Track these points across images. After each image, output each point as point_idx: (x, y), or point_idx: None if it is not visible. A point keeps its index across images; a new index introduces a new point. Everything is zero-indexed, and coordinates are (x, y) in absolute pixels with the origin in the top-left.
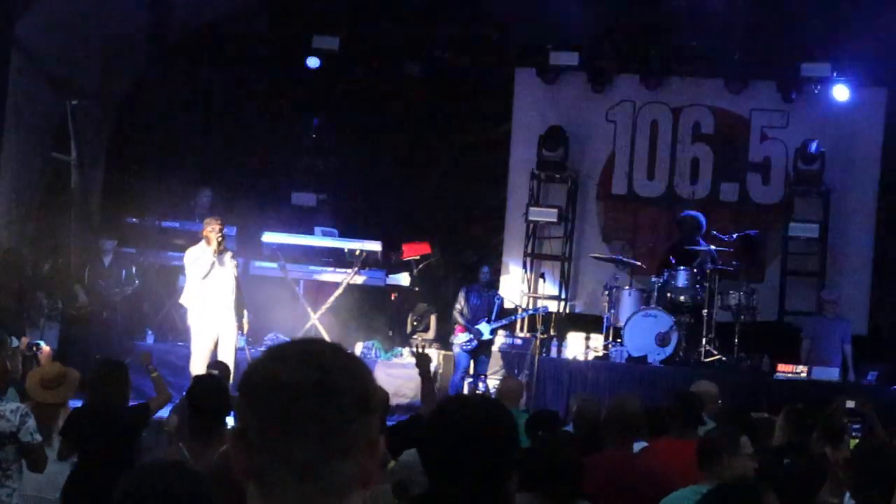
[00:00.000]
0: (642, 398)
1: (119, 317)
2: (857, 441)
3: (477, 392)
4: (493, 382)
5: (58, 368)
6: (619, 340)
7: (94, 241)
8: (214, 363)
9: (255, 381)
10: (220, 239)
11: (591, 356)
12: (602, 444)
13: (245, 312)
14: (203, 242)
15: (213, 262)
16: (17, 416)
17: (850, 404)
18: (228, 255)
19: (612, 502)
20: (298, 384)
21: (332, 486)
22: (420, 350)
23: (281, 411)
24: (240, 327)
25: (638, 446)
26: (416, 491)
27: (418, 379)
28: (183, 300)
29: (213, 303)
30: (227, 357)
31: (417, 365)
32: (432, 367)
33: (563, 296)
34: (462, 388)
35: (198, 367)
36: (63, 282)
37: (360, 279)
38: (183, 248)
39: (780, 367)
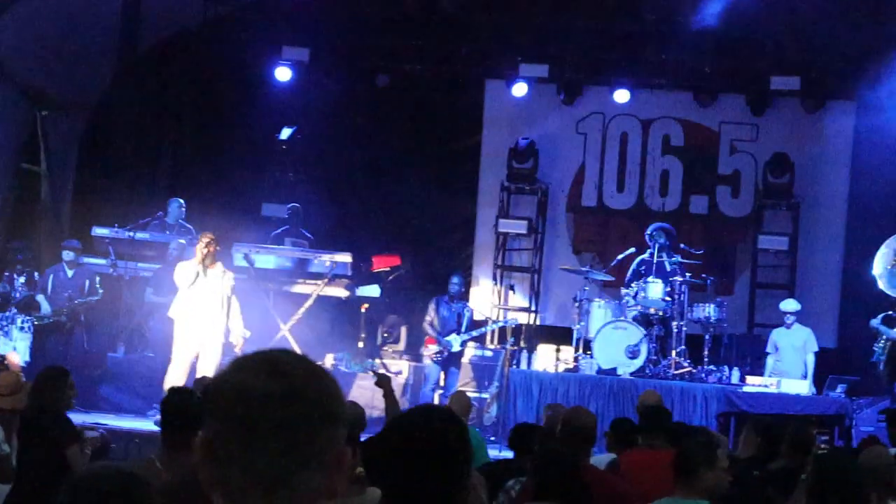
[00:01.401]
0: (612, 411)
1: (84, 329)
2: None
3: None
4: (456, 389)
5: (14, 377)
6: (588, 353)
7: (64, 249)
8: (199, 380)
9: (219, 391)
10: (205, 252)
11: (561, 368)
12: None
13: (240, 330)
14: (191, 257)
15: (197, 274)
16: None
17: None
18: (220, 270)
19: None
20: (263, 394)
21: (297, 497)
22: (379, 371)
23: (245, 421)
24: (228, 343)
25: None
26: None
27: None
28: (171, 312)
29: (197, 316)
30: (208, 372)
31: (379, 385)
32: (401, 379)
33: (533, 308)
34: (432, 399)
35: (174, 378)
36: (31, 289)
37: (330, 291)
38: (153, 260)
39: (749, 379)
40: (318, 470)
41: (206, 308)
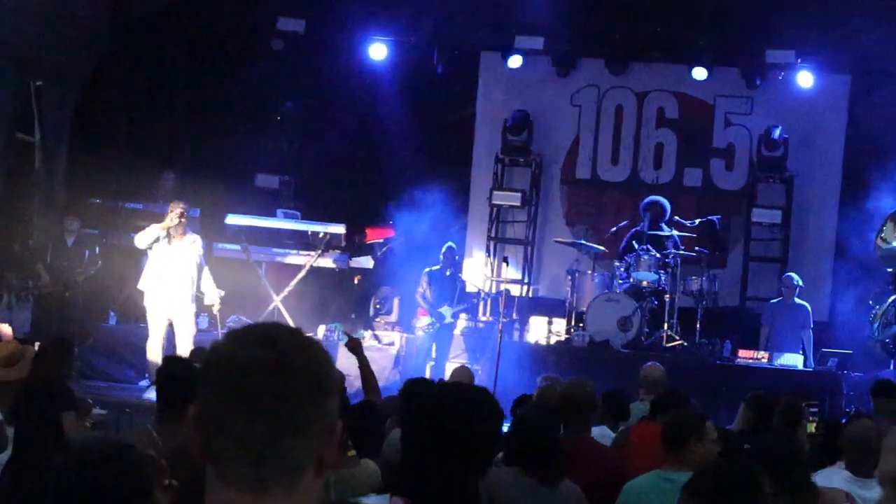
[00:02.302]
0: (604, 382)
1: (81, 298)
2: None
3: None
4: (453, 365)
5: (13, 346)
6: (581, 325)
7: (58, 222)
8: (196, 350)
9: (212, 361)
10: (175, 221)
11: (553, 340)
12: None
13: (213, 292)
14: (158, 225)
15: (157, 238)
16: None
17: None
18: (189, 239)
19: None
20: (252, 363)
21: (286, 466)
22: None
23: (235, 390)
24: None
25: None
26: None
27: (381, 362)
28: (140, 284)
29: (165, 286)
30: (185, 340)
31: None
32: (393, 350)
33: (525, 280)
34: (424, 371)
35: (153, 348)
36: (28, 262)
37: (322, 262)
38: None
39: (742, 352)
40: (308, 440)
41: (175, 278)
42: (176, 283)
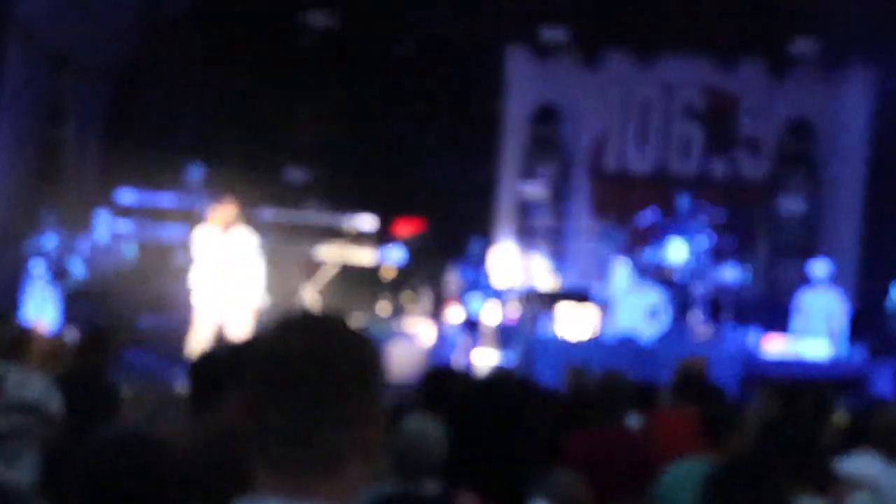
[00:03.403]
0: (633, 373)
1: (115, 292)
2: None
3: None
4: (482, 357)
5: (49, 343)
6: (610, 316)
7: (91, 215)
8: (223, 342)
9: (257, 350)
10: (224, 219)
11: (582, 332)
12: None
13: (258, 297)
14: (211, 222)
15: (213, 241)
16: (42, 385)
17: None
18: (241, 234)
19: (611, 478)
20: (295, 353)
21: (328, 455)
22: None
23: (278, 379)
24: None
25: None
26: (424, 464)
27: (413, 355)
28: (189, 281)
29: (217, 283)
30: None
31: None
32: (422, 343)
33: (554, 271)
34: (453, 362)
35: (195, 345)
36: (61, 255)
37: (353, 255)
38: (179, 223)
39: (770, 341)
40: (350, 430)
41: (227, 274)
42: (229, 279)
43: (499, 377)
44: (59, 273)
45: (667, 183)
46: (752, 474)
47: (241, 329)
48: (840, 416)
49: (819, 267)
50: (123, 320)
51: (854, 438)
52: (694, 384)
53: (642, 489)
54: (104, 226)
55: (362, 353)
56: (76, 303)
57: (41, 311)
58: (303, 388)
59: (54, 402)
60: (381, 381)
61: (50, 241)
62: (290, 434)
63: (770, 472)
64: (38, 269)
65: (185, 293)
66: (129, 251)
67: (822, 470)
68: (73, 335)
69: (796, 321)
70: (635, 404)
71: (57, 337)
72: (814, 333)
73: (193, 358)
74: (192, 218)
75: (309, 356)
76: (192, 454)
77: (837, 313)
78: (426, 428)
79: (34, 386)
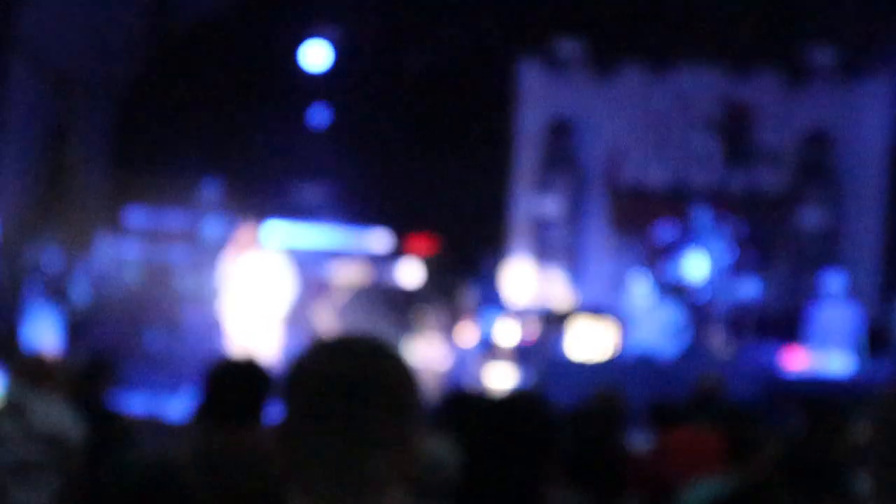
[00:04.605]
0: (653, 392)
1: (120, 313)
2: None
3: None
4: (497, 375)
5: (44, 362)
6: (629, 333)
7: (97, 236)
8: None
9: (292, 375)
10: (250, 241)
11: (600, 350)
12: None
13: (286, 311)
14: (236, 244)
15: (242, 265)
16: (65, 415)
17: None
18: (267, 256)
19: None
20: (329, 376)
21: (365, 481)
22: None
23: (313, 404)
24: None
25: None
26: (437, 486)
27: (426, 374)
28: (217, 304)
29: (245, 306)
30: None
31: None
32: (438, 363)
33: (570, 289)
34: (469, 384)
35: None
36: (65, 277)
37: (365, 273)
38: (185, 243)
39: (791, 356)
40: (387, 454)
41: (257, 298)
42: (257, 301)
43: (515, 398)
44: (58, 294)
45: (685, 196)
46: (763, 498)
47: (269, 350)
48: (862, 431)
49: (834, 280)
50: (128, 340)
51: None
52: (713, 402)
53: None
54: (110, 247)
55: (399, 376)
56: (81, 325)
57: (41, 332)
58: (340, 412)
59: (76, 433)
60: (417, 405)
61: (51, 261)
62: (327, 458)
63: (780, 495)
64: (37, 289)
65: (193, 314)
66: (136, 272)
67: (843, 489)
68: (77, 358)
69: (814, 335)
70: (648, 423)
71: (61, 360)
72: (834, 348)
73: (206, 376)
74: (198, 238)
75: (346, 380)
76: (213, 478)
77: (855, 327)
78: (440, 449)
79: (58, 415)
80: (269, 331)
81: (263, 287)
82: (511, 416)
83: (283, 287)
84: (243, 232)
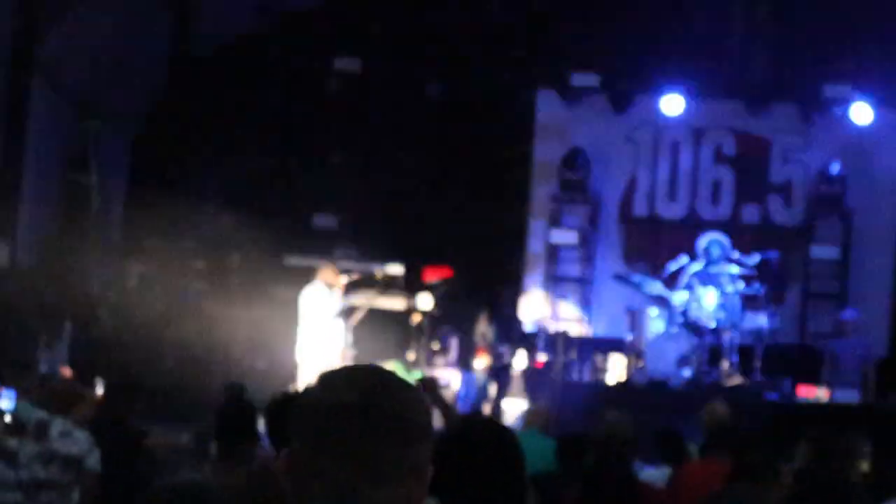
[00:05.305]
0: (663, 421)
1: (141, 342)
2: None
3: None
4: (511, 405)
5: (71, 388)
6: (640, 363)
7: (117, 264)
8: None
9: (302, 405)
10: (332, 279)
11: (612, 379)
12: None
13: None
14: (320, 283)
15: (322, 300)
16: (86, 440)
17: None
18: (337, 295)
19: None
20: (339, 407)
21: None
22: (424, 377)
23: (322, 435)
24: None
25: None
26: None
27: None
28: (297, 353)
29: (322, 341)
30: None
31: (426, 389)
32: (452, 390)
33: (584, 318)
34: (482, 410)
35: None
36: (85, 306)
37: (381, 302)
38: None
39: (802, 390)
40: (396, 485)
41: (335, 342)
42: (334, 345)
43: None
44: (85, 322)
45: (697, 228)
46: None
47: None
48: (870, 462)
49: (847, 315)
50: (149, 367)
51: (885, 486)
52: (725, 434)
53: None
54: (131, 274)
55: (408, 407)
56: (102, 350)
57: (63, 357)
58: (347, 443)
59: (93, 459)
60: (428, 436)
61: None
62: (337, 490)
63: None
64: (59, 313)
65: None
66: (156, 298)
67: None
68: (98, 383)
69: (827, 370)
70: (662, 456)
71: (84, 385)
72: (845, 381)
73: (221, 405)
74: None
75: (352, 410)
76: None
77: (868, 362)
78: None
79: (77, 440)
80: (334, 361)
81: (330, 324)
82: (465, 448)
83: (335, 326)
84: (326, 268)
